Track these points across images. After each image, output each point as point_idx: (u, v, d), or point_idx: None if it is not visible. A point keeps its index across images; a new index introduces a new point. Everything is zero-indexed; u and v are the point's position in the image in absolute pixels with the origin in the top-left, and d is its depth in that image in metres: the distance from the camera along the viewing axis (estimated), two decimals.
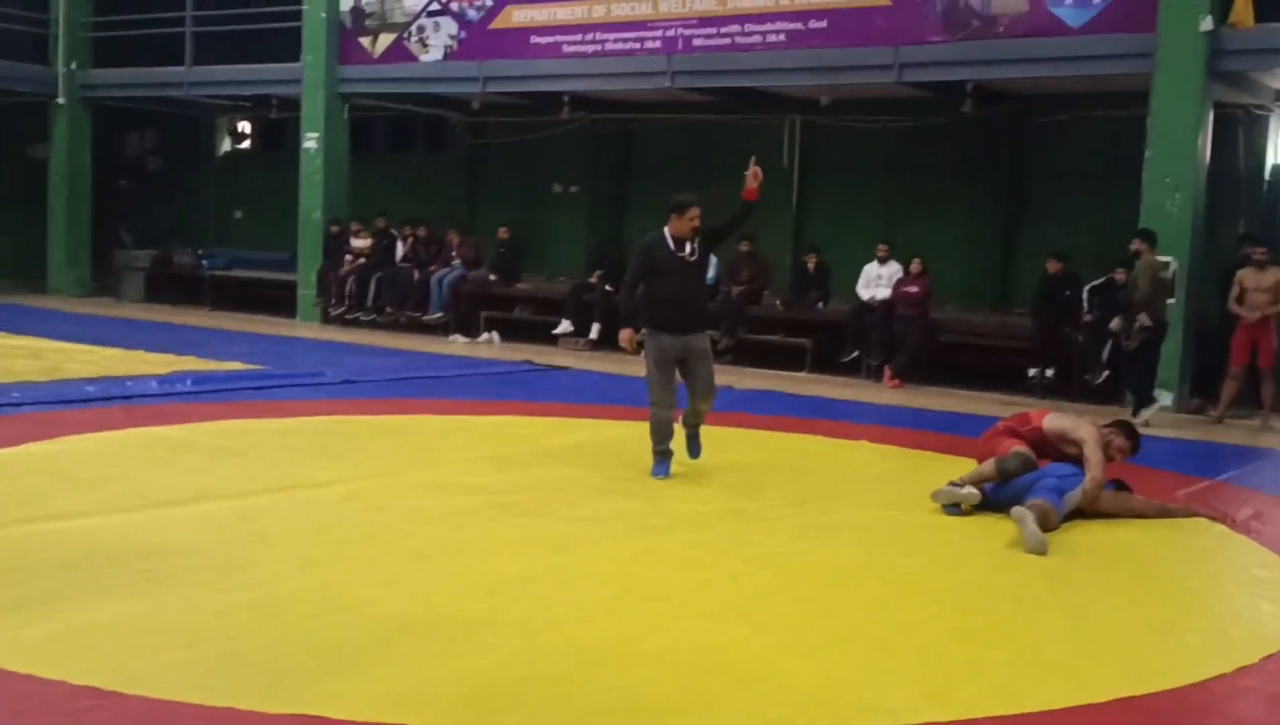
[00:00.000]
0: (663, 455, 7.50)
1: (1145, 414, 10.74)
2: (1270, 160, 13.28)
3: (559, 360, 13.64)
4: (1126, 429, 7.21)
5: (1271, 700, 4.27)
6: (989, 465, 6.82)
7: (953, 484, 6.84)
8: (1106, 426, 7.14)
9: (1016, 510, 6.19)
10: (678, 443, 7.58)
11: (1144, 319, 11.03)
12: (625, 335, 7.74)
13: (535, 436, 8.65)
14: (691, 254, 7.48)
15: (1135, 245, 11.22)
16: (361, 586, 4.97)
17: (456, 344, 15.17)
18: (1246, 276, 11.01)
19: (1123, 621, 5.00)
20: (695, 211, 7.44)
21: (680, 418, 7.63)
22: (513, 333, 15.53)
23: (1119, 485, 7.05)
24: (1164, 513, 6.98)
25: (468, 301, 15.93)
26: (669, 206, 7.56)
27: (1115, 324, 11.43)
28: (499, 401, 10.49)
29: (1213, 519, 6.92)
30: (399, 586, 4.98)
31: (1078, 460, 6.85)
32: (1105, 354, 11.98)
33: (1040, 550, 5.91)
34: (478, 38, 15.65)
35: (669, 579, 5.29)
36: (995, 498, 6.74)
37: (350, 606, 4.69)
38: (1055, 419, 7.12)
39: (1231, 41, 11.43)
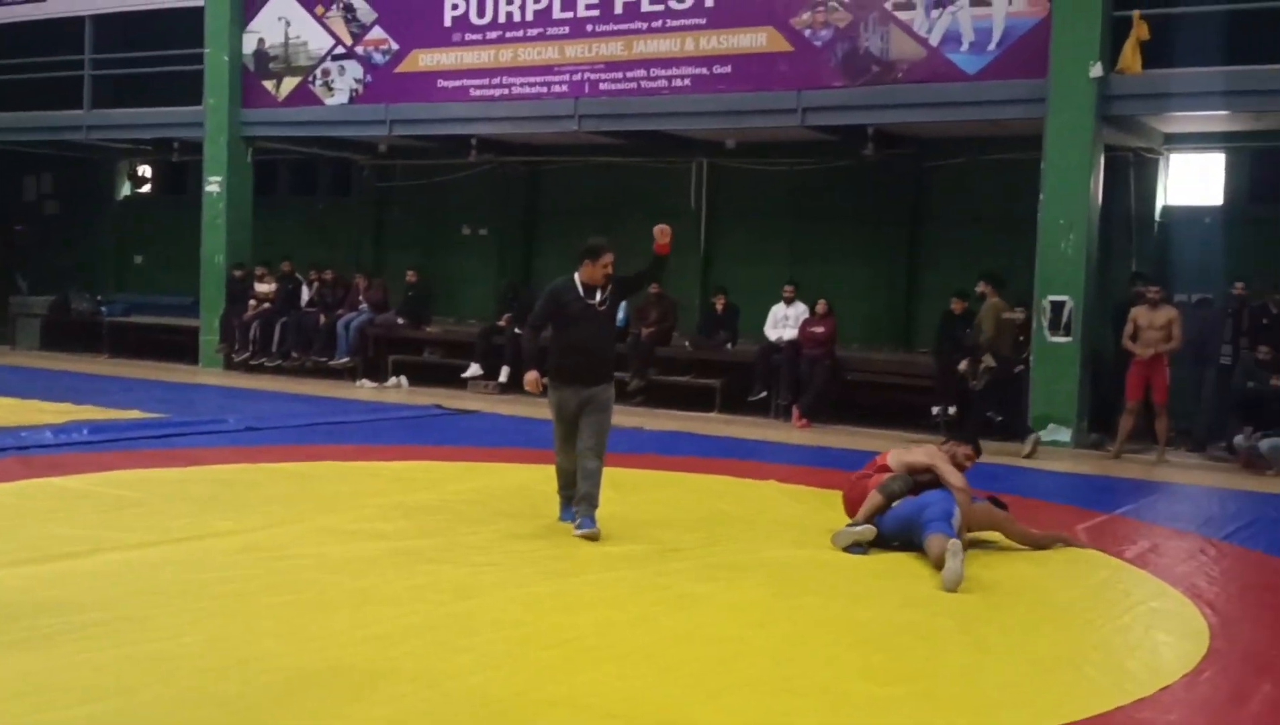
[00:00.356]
0: (569, 500, 7.30)
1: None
2: (1160, 201, 13.74)
3: (468, 404, 13.55)
4: (960, 436, 7.58)
5: None
6: (874, 497, 6.95)
7: (849, 525, 6.92)
8: (944, 443, 7.43)
9: (953, 543, 6.24)
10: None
11: (988, 360, 11.49)
12: (531, 378, 7.25)
13: (441, 481, 8.57)
14: (602, 303, 7.17)
15: (980, 287, 11.69)
16: (260, 638, 4.86)
17: (364, 389, 15.01)
18: (1140, 314, 11.34)
19: (1024, 656, 5.08)
20: (609, 257, 7.12)
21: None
22: (421, 377, 15.41)
23: (994, 502, 7.26)
24: (1031, 540, 7.11)
25: (375, 346, 15.78)
26: (581, 251, 7.22)
27: (963, 366, 11.78)
28: (406, 446, 10.39)
29: (1082, 546, 7.10)
30: (299, 638, 4.88)
31: (932, 485, 7.00)
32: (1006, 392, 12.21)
33: (955, 586, 5.99)
34: (384, 81, 15.61)
35: (575, 623, 5.25)
36: (884, 530, 6.87)
37: (249, 659, 4.59)
38: (896, 455, 7.33)
39: (1120, 87, 11.82)
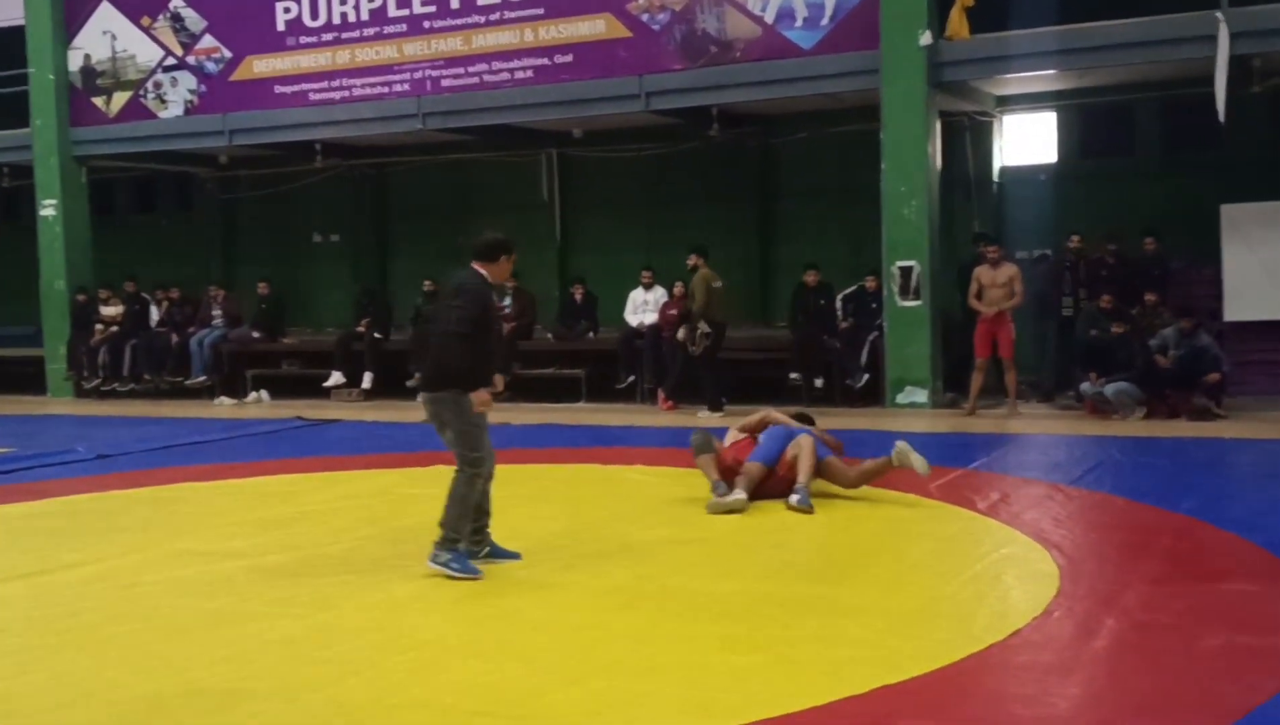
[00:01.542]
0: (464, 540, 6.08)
1: (714, 415, 11.88)
2: (997, 162, 14.15)
3: (331, 413, 13.34)
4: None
5: (1019, 672, 4.48)
6: (708, 466, 7.58)
7: (718, 497, 7.05)
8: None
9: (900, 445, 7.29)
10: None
11: (703, 326, 12.14)
12: (486, 397, 6.05)
13: (302, 493, 8.42)
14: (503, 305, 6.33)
15: (691, 260, 12.43)
16: (110, 668, 4.71)
17: (223, 407, 14.66)
18: (983, 273, 11.66)
19: (879, 614, 5.19)
20: (513, 256, 6.31)
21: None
22: (283, 390, 15.10)
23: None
24: (866, 474, 7.67)
25: (231, 361, 15.41)
26: (484, 247, 6.17)
27: (681, 333, 12.38)
28: (267, 461, 10.17)
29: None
30: (150, 664, 4.74)
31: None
32: (864, 357, 12.48)
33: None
34: (219, 91, 15.24)
35: (436, 624, 5.22)
36: (761, 458, 7.53)
37: (97, 691, 4.44)
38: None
39: (950, 53, 12.14)
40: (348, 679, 4.50)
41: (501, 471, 8.83)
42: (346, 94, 14.67)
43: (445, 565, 5.91)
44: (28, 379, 16.58)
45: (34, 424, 13.63)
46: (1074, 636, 4.84)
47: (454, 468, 6.08)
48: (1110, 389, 11.18)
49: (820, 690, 4.22)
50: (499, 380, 6.21)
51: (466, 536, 6.05)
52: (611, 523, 7.23)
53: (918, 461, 7.20)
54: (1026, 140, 14.25)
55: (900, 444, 7.32)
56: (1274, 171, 12.60)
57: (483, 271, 6.16)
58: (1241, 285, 12.04)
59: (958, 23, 12.11)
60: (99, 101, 15.91)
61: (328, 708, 4.22)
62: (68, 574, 6.28)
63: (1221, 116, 10.95)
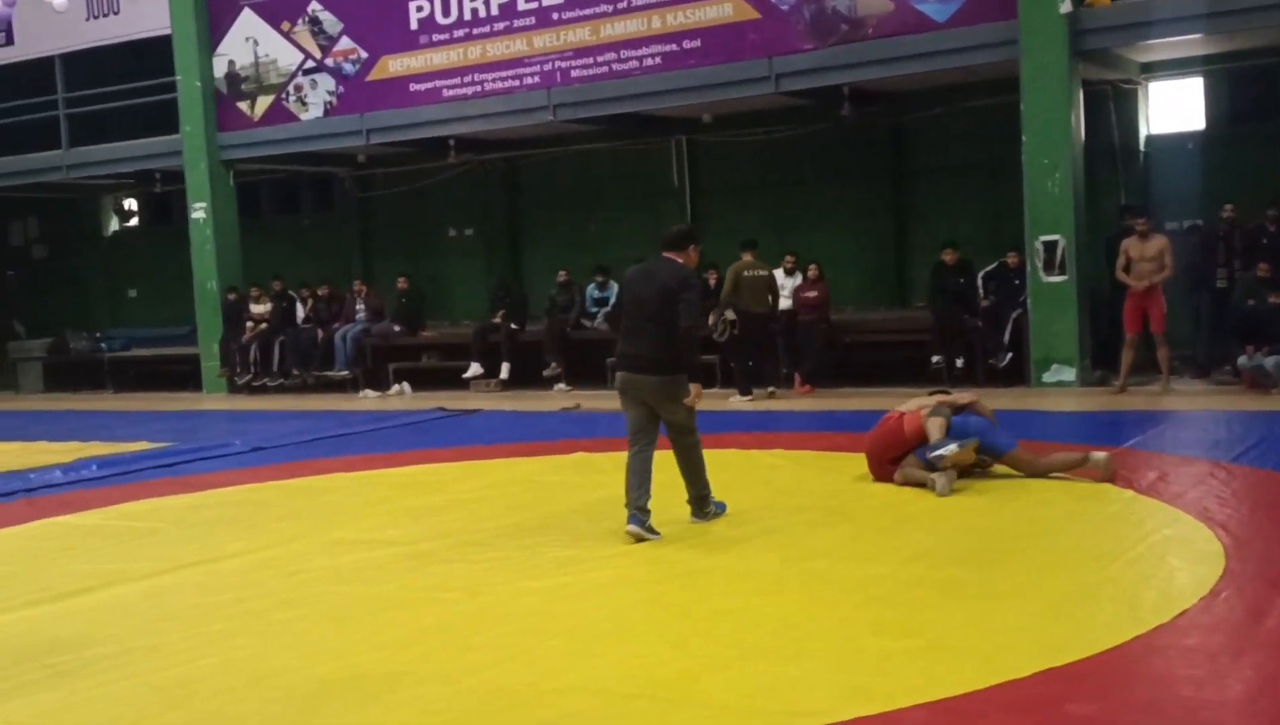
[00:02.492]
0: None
1: (743, 399, 11.88)
2: (1143, 131, 13.67)
3: (471, 404, 13.56)
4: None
5: (1188, 654, 4.34)
6: (935, 423, 7.28)
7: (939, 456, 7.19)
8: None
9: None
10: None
11: (729, 314, 12.27)
12: (699, 391, 6.61)
13: (448, 483, 8.58)
14: None
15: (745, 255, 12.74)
16: (276, 654, 4.87)
17: (367, 399, 15.03)
18: (1131, 246, 11.30)
19: (1036, 598, 5.07)
20: (699, 245, 6.87)
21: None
22: (423, 382, 15.42)
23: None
24: (1053, 465, 7.42)
25: (374, 355, 15.79)
26: (674, 238, 6.63)
27: (710, 319, 12.42)
28: (412, 451, 10.39)
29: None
30: (315, 650, 4.89)
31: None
32: (1006, 336, 12.22)
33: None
34: (356, 91, 15.59)
35: (586, 609, 5.26)
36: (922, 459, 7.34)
37: (265, 676, 4.60)
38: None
39: (1091, 20, 11.77)
40: (505, 663, 4.58)
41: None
42: (478, 89, 14.88)
43: (715, 516, 6.81)
44: (183, 377, 17.24)
45: (191, 419, 14.16)
46: (1244, 618, 4.66)
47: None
48: (1271, 362, 10.73)
49: (979, 675, 4.14)
50: (699, 389, 6.64)
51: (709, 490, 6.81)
52: (753, 508, 7.19)
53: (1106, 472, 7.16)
54: (1173, 107, 13.73)
55: (1103, 455, 7.25)
56: None
57: (678, 261, 6.54)
58: None
59: None
60: (243, 106, 16.43)
61: (487, 691, 4.29)
62: (232, 562, 6.52)
63: None
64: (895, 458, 7.53)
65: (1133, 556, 5.65)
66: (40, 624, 5.52)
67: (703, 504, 6.80)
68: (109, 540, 7.31)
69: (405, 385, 15.38)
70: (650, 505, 6.48)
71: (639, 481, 6.45)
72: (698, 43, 13.50)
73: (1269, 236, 11.71)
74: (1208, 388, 11.42)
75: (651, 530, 6.41)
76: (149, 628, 5.36)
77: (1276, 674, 4.08)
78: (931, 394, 7.97)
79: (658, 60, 13.75)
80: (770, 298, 12.86)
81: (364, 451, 10.55)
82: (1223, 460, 7.77)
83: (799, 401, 12.34)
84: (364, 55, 15.51)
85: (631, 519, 6.39)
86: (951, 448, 7.12)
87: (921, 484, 7.21)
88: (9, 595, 6.05)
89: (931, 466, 7.20)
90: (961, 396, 7.91)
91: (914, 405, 7.66)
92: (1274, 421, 9.20)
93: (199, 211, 16.63)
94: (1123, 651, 4.36)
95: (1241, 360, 11.04)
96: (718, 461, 8.86)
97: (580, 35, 14.19)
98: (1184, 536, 5.98)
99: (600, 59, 14.10)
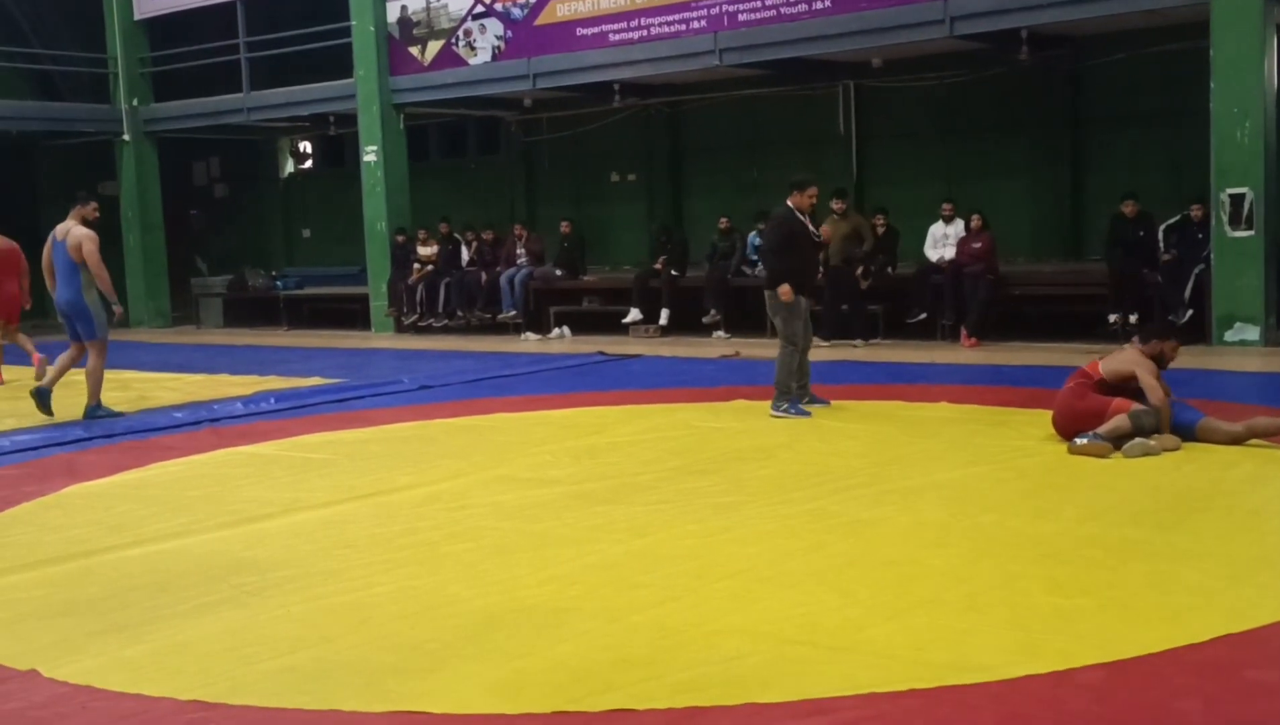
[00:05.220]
0: (799, 396, 8.80)
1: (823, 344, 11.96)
2: None
3: (630, 348, 13.66)
4: (1162, 331, 7.58)
5: None
6: (1122, 422, 6.91)
7: (1092, 438, 6.92)
8: (1150, 341, 7.41)
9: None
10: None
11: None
12: (788, 290, 8.71)
13: (610, 425, 8.68)
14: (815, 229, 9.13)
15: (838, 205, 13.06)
16: (447, 584, 5.03)
17: (529, 342, 15.28)
18: None
19: (1217, 561, 4.89)
20: (814, 190, 8.92)
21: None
22: (583, 325, 15.59)
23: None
24: (1232, 437, 6.97)
25: (536, 298, 16.02)
26: (791, 183, 8.96)
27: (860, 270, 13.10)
28: (573, 393, 10.55)
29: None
30: (483, 581, 5.03)
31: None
32: (1187, 292, 11.74)
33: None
34: (524, 35, 15.72)
35: (750, 554, 5.28)
36: None
37: (437, 604, 4.75)
38: (1108, 363, 7.31)
39: None
40: (668, 603, 4.63)
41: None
42: (644, 33, 14.83)
43: (784, 412, 8.63)
44: (353, 316, 17.79)
45: (361, 357, 14.62)
46: None
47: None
48: None
49: (1157, 638, 4.03)
50: (786, 289, 8.67)
51: (793, 391, 8.74)
52: (919, 459, 7.10)
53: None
54: None
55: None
56: None
57: (790, 203, 8.87)
58: None
59: None
60: (415, 51, 16.72)
61: (650, 629, 4.35)
62: (402, 495, 6.73)
63: None
64: (1088, 408, 7.14)
65: None
66: (228, 546, 5.80)
67: (778, 398, 8.72)
68: (288, 470, 7.62)
69: (566, 329, 15.57)
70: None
71: (785, 374, 8.73)
72: None
73: None
74: None
75: (795, 410, 8.65)
76: (326, 553, 5.58)
77: None
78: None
79: (827, 3, 13.48)
80: (854, 246, 13.23)
81: (526, 392, 10.75)
82: None
83: (964, 354, 12.09)
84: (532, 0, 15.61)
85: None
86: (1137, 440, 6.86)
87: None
88: (199, 518, 6.37)
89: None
90: (1131, 366, 7.28)
91: (1108, 366, 7.30)
92: None
93: (370, 155, 17.05)
94: None
95: None
96: (881, 412, 8.85)
97: None
98: None
99: (768, 3, 13.88)
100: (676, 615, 4.50)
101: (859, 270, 13.17)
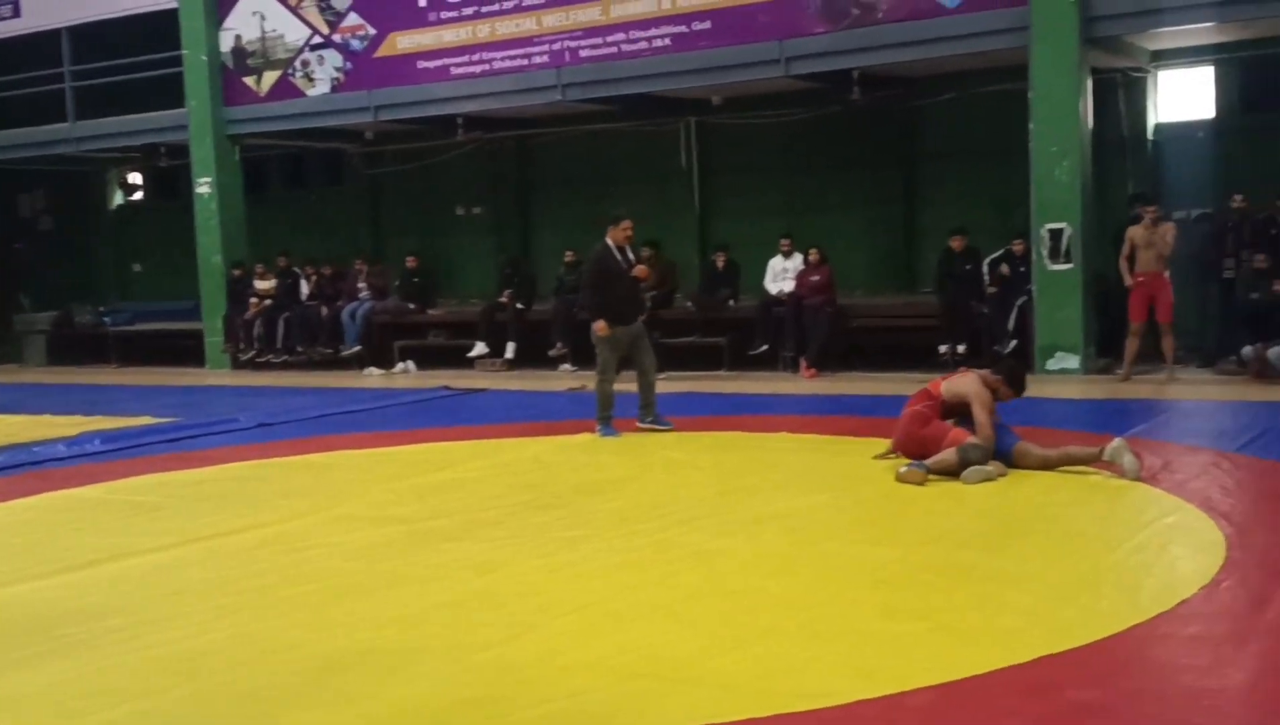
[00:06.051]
0: (608, 421, 9.24)
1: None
2: (1151, 120, 13.65)
3: (476, 383, 13.58)
4: (1008, 370, 7.64)
5: (1189, 642, 4.37)
6: (949, 456, 7.10)
7: (914, 466, 7.13)
8: (993, 373, 7.59)
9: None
10: None
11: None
12: (601, 326, 9.29)
13: (455, 461, 8.60)
14: (628, 262, 9.42)
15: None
16: (285, 629, 4.90)
17: (372, 377, 15.05)
18: (1135, 234, 11.30)
19: (1041, 583, 5.09)
20: (627, 223, 9.43)
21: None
22: (428, 360, 15.44)
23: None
24: (1068, 458, 7.25)
25: (379, 333, 15.80)
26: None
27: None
28: (417, 429, 10.43)
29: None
30: (322, 625, 4.92)
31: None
32: (1011, 323, 12.23)
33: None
34: (364, 67, 15.56)
35: (596, 587, 5.29)
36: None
37: (275, 650, 4.63)
38: (950, 385, 7.56)
39: (1102, 8, 11.73)
40: (514, 640, 4.61)
41: (648, 439, 9.00)
42: (487, 67, 14.85)
43: (601, 433, 9.22)
44: (188, 352, 17.25)
45: (195, 394, 14.19)
46: (1245, 607, 4.69)
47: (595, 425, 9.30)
48: (1275, 352, 10.75)
49: (985, 659, 4.17)
50: (601, 325, 9.26)
51: (608, 417, 9.33)
52: (762, 489, 7.23)
53: (1130, 463, 6.88)
54: (1183, 96, 13.69)
55: (1117, 442, 7.02)
56: None
57: (607, 239, 9.41)
58: None
59: None
60: (250, 81, 16.40)
61: (496, 667, 4.32)
62: (238, 538, 6.54)
63: None
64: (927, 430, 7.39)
65: (1135, 544, 5.68)
66: (51, 596, 5.55)
67: (599, 421, 9.37)
68: (115, 514, 7.34)
69: (410, 363, 15.40)
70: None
71: (603, 402, 9.39)
72: (708, 24, 13.47)
73: (1278, 227, 11.71)
74: (1213, 377, 11.43)
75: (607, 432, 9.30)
76: (157, 601, 5.38)
77: (1278, 663, 4.11)
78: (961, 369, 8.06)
79: (667, 41, 13.73)
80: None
81: (369, 429, 10.58)
82: (1227, 450, 7.80)
83: (804, 385, 12.36)
84: (372, 32, 15.48)
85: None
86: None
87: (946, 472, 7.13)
88: (18, 568, 6.08)
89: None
90: (967, 392, 7.51)
91: (949, 387, 7.56)
92: (1278, 413, 9.21)
93: (204, 186, 16.62)
94: (1125, 638, 4.39)
95: (1246, 351, 11.06)
96: (725, 443, 8.97)
97: (590, 15, 14.16)
98: (1187, 525, 6.00)
99: (610, 39, 14.07)
100: (521, 652, 4.48)
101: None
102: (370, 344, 15.71)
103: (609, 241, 9.35)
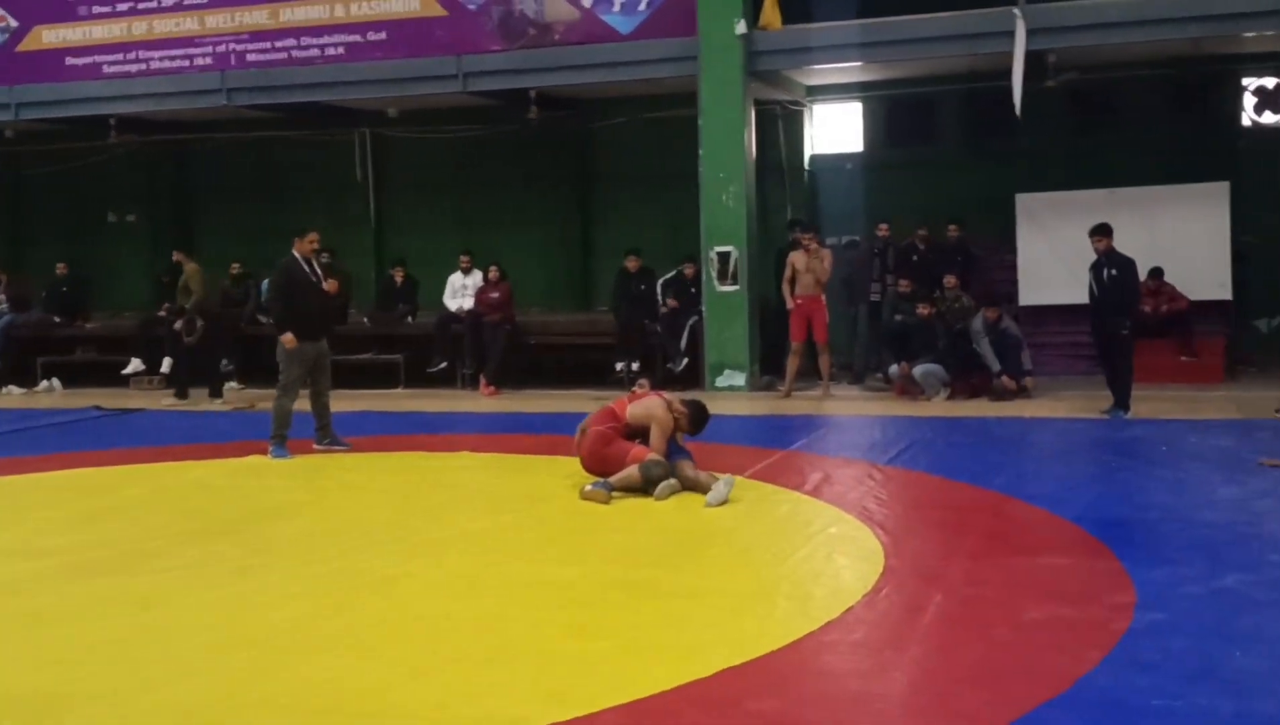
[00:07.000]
0: (283, 441, 8.99)
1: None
2: (808, 151, 14.51)
3: (131, 402, 12.74)
4: (695, 411, 7.77)
5: (855, 648, 4.62)
6: (633, 473, 7.23)
7: (597, 486, 7.18)
8: (680, 403, 7.77)
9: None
10: None
11: (199, 318, 12.81)
12: (289, 338, 9.06)
13: (111, 487, 8.04)
14: (313, 273, 9.27)
15: (175, 257, 13.48)
16: None
17: (11, 396, 13.85)
18: (796, 259, 11.95)
19: (721, 596, 5.28)
20: (313, 235, 9.31)
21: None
22: (77, 377, 14.35)
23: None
24: (696, 482, 7.43)
25: (20, 348, 14.54)
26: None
27: (178, 325, 12.95)
28: (66, 453, 9.66)
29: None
30: None
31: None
32: (684, 342, 12.66)
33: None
34: (5, 62, 14.39)
35: (274, 619, 5.05)
36: None
37: None
38: (634, 408, 7.70)
39: (764, 43, 12.38)
40: (184, 680, 4.33)
41: (322, 461, 8.72)
42: (144, 67, 14.04)
43: (273, 454, 8.90)
44: None
45: None
46: (903, 613, 5.01)
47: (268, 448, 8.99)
48: (918, 371, 11.61)
49: (670, 675, 4.26)
50: (289, 337, 9.04)
51: (284, 437, 9.02)
52: (446, 510, 7.15)
53: (714, 498, 7.04)
54: (835, 129, 14.66)
55: (727, 477, 7.28)
56: (1068, 162, 13.32)
57: (295, 251, 9.24)
58: (1036, 271, 12.67)
59: (770, 13, 12.38)
60: None
61: (165, 710, 4.05)
62: None
63: (1018, 109, 11.46)
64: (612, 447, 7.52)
65: (804, 555, 5.98)
66: None
67: (272, 440, 9.04)
68: None
69: (55, 381, 14.26)
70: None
71: (280, 419, 9.10)
72: (383, 35, 13.27)
73: (918, 254, 12.70)
74: (863, 394, 12.24)
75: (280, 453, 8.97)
76: None
77: (933, 667, 4.41)
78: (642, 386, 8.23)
79: (341, 50, 13.42)
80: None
81: (12, 453, 9.72)
82: (879, 462, 8.35)
83: (484, 403, 12.33)
84: (14, 24, 14.32)
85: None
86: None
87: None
88: None
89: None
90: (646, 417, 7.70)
91: (633, 411, 7.69)
92: (922, 426, 9.96)
93: None
94: (798, 647, 4.60)
95: (892, 369, 11.90)
96: (405, 464, 8.81)
97: (257, 18, 13.65)
98: (848, 535, 6.37)
99: (279, 44, 13.61)
100: (194, 692, 4.21)
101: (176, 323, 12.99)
102: (9, 360, 14.43)
103: (296, 253, 9.24)
